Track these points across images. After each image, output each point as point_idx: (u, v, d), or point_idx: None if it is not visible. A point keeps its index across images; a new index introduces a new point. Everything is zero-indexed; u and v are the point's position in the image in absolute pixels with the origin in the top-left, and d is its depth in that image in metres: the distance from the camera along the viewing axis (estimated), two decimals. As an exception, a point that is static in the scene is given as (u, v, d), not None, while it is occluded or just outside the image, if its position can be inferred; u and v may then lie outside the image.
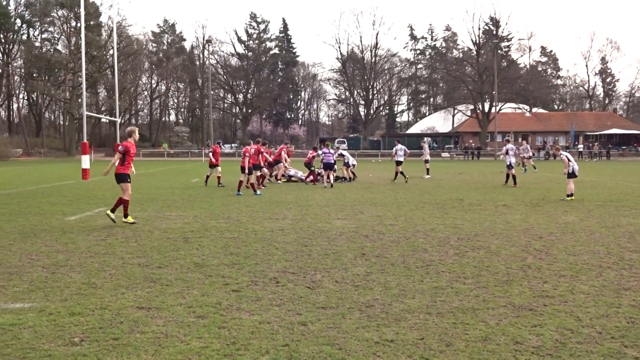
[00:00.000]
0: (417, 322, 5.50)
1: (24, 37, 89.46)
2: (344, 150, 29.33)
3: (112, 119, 40.77)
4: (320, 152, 25.70)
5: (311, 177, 26.43)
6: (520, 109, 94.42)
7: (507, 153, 25.24)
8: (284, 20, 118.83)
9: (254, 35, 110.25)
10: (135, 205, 16.44)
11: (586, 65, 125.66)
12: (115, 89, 39.50)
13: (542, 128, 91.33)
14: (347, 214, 14.49)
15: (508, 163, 24.88)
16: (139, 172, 37.39)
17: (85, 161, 29.71)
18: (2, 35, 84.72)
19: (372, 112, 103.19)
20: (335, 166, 25.20)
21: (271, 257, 8.80)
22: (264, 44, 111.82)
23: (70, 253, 9.15)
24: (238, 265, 8.20)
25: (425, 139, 75.19)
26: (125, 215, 12.62)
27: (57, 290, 6.79)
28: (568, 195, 18.02)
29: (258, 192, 19.98)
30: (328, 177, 24.20)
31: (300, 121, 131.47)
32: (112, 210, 12.70)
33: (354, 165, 27.93)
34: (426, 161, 31.69)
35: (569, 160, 18.28)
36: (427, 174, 31.16)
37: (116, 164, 13.10)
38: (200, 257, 8.75)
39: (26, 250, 9.39)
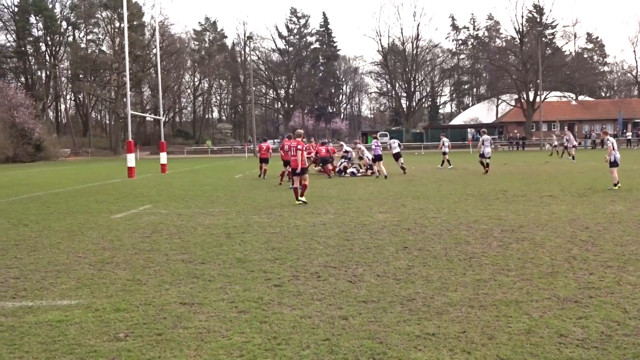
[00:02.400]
0: (459, 315, 5.44)
1: (70, 39, 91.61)
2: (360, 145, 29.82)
3: (157, 117, 41.41)
4: (372, 145, 26.60)
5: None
6: (566, 97, 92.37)
7: (482, 143, 26.77)
8: (324, 14, 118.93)
9: (295, 30, 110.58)
10: (180, 202, 16.70)
11: (634, 51, 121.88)
12: (159, 87, 40.08)
13: (588, 116, 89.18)
14: (389, 207, 14.41)
15: (482, 152, 26.64)
16: (183, 169, 37.97)
17: (131, 159, 30.24)
18: (49, 38, 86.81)
19: (414, 104, 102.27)
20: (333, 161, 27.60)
21: (313, 251, 8.82)
22: (304, 39, 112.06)
23: (116, 250, 9.33)
24: (280, 260, 8.24)
25: (469, 131, 74.46)
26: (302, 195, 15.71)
27: (103, 286, 6.93)
28: (615, 185, 17.58)
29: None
30: (378, 169, 25.20)
31: (342, 115, 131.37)
32: (302, 195, 15.63)
33: (368, 158, 27.94)
34: (444, 153, 32.83)
35: (613, 148, 17.89)
36: (450, 164, 32.16)
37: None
38: (243, 253, 8.82)
39: (73, 248, 9.62)
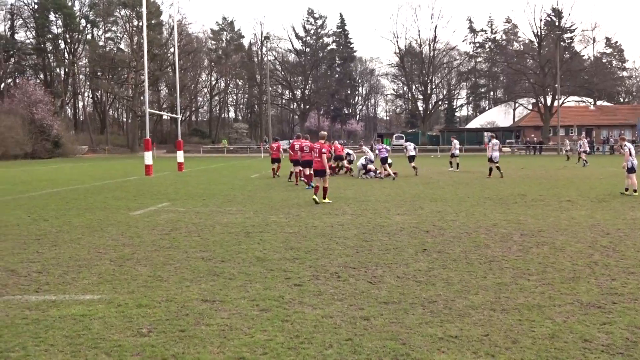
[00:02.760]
0: (482, 319, 5.42)
1: (89, 36, 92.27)
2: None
3: (174, 115, 41.63)
4: (377, 148, 26.61)
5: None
6: (584, 102, 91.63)
7: (492, 148, 27.18)
8: (341, 15, 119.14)
9: (311, 31, 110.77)
10: (197, 200, 16.77)
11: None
12: (177, 86, 40.29)
13: (607, 121, 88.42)
14: (407, 209, 14.38)
15: (490, 156, 27.04)
16: (200, 168, 38.14)
17: (148, 157, 30.42)
18: (68, 36, 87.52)
19: (430, 107, 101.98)
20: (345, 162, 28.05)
21: (332, 252, 8.82)
22: (321, 40, 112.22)
23: (136, 247, 9.39)
24: (299, 259, 8.25)
25: (486, 133, 74.12)
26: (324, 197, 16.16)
27: (125, 282, 6.98)
28: (634, 191, 17.43)
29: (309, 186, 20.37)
30: (386, 171, 25.44)
31: (357, 117, 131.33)
32: (324, 197, 16.05)
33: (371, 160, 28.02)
34: (452, 155, 32.95)
35: (630, 154, 17.76)
36: (457, 167, 32.35)
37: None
38: (262, 252, 8.84)
39: (94, 244, 9.69)
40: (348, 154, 30.27)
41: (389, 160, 26.58)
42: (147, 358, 4.53)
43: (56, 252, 8.95)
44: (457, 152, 33.28)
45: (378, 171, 26.92)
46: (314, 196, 15.96)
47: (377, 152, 26.47)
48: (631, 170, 17.65)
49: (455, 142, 33.83)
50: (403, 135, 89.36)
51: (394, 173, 25.73)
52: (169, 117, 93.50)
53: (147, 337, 4.97)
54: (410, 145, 28.85)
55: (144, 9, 33.20)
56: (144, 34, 32.69)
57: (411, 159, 28.40)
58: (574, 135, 70.57)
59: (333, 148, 27.01)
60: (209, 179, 26.36)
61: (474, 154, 65.78)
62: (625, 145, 18.50)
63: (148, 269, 7.73)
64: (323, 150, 16.60)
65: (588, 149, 38.22)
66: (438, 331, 5.07)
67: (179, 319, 5.46)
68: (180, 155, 35.78)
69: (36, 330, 5.18)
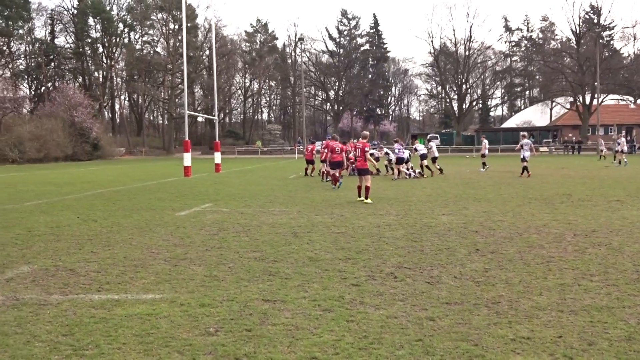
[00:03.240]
0: (551, 320, 5.31)
1: (126, 40, 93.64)
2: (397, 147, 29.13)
3: (211, 117, 41.83)
4: (395, 148, 26.64)
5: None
6: (624, 100, 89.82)
7: (522, 147, 27.07)
8: (374, 15, 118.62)
9: (345, 32, 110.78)
10: (239, 201, 16.86)
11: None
12: (214, 88, 40.61)
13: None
14: (452, 209, 14.24)
15: (522, 157, 26.92)
16: (236, 169, 38.39)
17: (187, 159, 30.70)
18: (106, 40, 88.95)
19: (465, 106, 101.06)
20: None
21: (383, 252, 8.77)
22: (354, 40, 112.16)
23: (187, 247, 9.46)
24: (352, 260, 8.22)
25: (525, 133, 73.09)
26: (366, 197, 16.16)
27: (182, 282, 7.02)
28: None
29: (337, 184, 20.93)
30: (399, 172, 25.78)
31: (390, 117, 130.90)
32: (366, 197, 16.08)
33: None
34: (483, 155, 32.68)
35: None
36: (483, 167, 32.11)
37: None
38: (313, 252, 8.82)
39: (146, 244, 9.79)
40: (372, 153, 30.10)
41: (408, 161, 27.05)
42: (219, 357, 4.53)
43: (110, 252, 9.06)
44: (487, 151, 33.06)
45: (417, 170, 26.84)
46: (359, 199, 16.30)
47: (396, 151, 26.37)
48: None
49: (485, 142, 33.62)
50: (437, 135, 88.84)
51: (419, 174, 25.85)
52: (203, 119, 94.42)
53: (216, 337, 4.97)
54: (434, 146, 28.96)
55: (183, 14, 33.52)
56: (184, 36, 32.99)
57: (434, 159, 28.50)
58: (614, 134, 69.21)
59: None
60: (247, 180, 26.49)
61: (509, 154, 64.93)
62: None
63: (203, 268, 7.77)
64: (365, 149, 16.95)
65: (626, 149, 37.41)
66: (508, 332, 4.98)
67: (243, 319, 5.46)
68: (217, 157, 36.10)
69: (106, 328, 5.23)
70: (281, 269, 7.63)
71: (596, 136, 62.88)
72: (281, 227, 11.51)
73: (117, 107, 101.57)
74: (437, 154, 28.93)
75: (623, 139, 38.93)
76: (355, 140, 29.72)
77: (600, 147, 38.61)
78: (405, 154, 26.44)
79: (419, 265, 7.83)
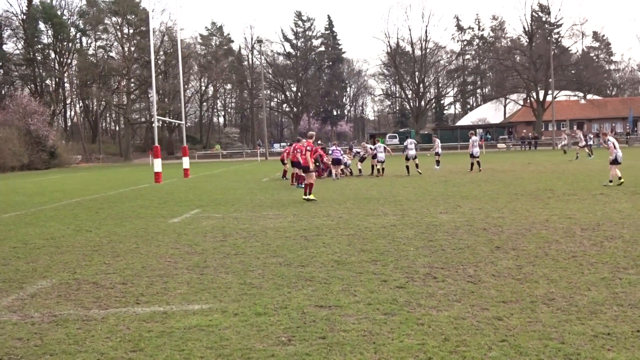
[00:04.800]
0: (618, 315, 5.35)
1: (78, 45, 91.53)
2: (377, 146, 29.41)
3: (179, 122, 40.90)
4: (330, 149, 28.20)
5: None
6: (576, 96, 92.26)
7: (472, 144, 28.41)
8: (329, 17, 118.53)
9: (300, 34, 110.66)
10: (227, 206, 16.63)
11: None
12: (182, 93, 40.11)
13: (598, 115, 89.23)
14: (446, 207, 14.33)
15: (471, 153, 28.41)
16: (204, 174, 37.91)
17: (158, 165, 30.18)
18: (58, 45, 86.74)
19: (422, 105, 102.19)
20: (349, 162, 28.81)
21: (406, 253, 8.73)
22: (310, 42, 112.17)
23: (201, 254, 9.25)
24: (380, 261, 8.16)
25: (478, 131, 74.47)
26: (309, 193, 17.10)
27: (221, 291, 6.84)
28: (619, 178, 18.20)
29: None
30: (336, 172, 26.63)
31: (346, 118, 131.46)
32: (309, 193, 17.00)
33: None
34: (472, 155, 31.77)
35: (614, 146, 18.64)
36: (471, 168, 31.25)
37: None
38: (335, 255, 8.73)
39: (156, 253, 9.53)
40: (357, 152, 30.59)
41: (347, 162, 28.56)
42: (311, 367, 4.42)
43: (125, 263, 8.79)
44: (440, 150, 33.36)
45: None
46: (304, 197, 17.15)
47: (330, 152, 27.18)
48: (615, 162, 18.46)
49: (437, 141, 34.26)
50: (396, 134, 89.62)
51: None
52: (160, 124, 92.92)
53: (292, 346, 4.84)
54: (412, 144, 28.74)
55: (150, 26, 32.92)
56: (151, 42, 32.42)
57: (409, 157, 28.42)
58: (567, 130, 70.98)
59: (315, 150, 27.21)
60: (222, 185, 26.15)
61: (466, 151, 65.87)
62: (608, 139, 19.46)
63: (233, 276, 7.60)
64: (308, 147, 18.32)
65: (584, 142, 38.78)
66: (585, 329, 4.99)
67: (309, 326, 5.34)
68: (186, 162, 35.53)
69: (173, 342, 5.04)
70: (314, 274, 7.51)
71: (560, 131, 64.38)
72: (286, 231, 11.37)
73: (70, 113, 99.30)
74: (413, 152, 28.75)
75: (581, 134, 40.20)
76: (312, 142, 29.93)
77: (564, 142, 39.65)
78: (344, 156, 27.49)
79: (449, 264, 7.81)
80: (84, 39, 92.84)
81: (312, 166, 18.26)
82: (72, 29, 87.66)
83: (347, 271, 7.62)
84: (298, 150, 20.30)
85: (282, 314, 5.77)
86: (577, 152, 37.69)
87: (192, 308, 6.12)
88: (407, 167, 27.96)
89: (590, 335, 4.83)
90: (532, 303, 5.83)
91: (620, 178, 18.21)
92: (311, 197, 17.06)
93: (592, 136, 39.01)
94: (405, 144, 29.02)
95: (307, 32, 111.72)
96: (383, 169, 28.08)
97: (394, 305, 5.92)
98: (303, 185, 20.70)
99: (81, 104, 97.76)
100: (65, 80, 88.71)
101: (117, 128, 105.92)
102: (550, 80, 74.34)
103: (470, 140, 29.09)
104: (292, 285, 6.94)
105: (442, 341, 4.81)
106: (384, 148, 28.90)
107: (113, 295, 6.90)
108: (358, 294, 6.42)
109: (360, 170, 29.20)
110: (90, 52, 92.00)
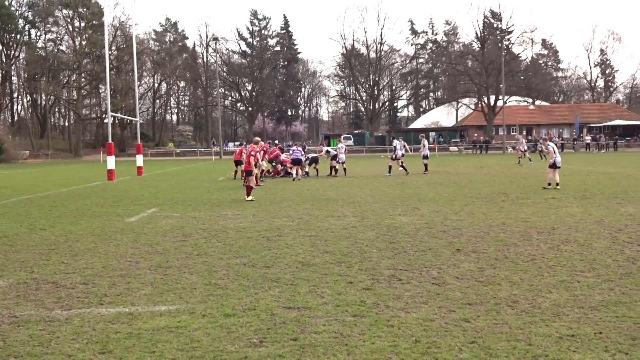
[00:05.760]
0: (580, 317, 5.51)
1: (26, 37, 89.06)
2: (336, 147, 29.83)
3: (134, 119, 40.08)
4: (291, 149, 28.53)
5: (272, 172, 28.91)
6: (525, 102, 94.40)
7: (395, 148, 29.29)
8: (284, 17, 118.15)
9: (256, 33, 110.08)
10: (184, 205, 16.46)
11: (588, 57, 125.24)
12: (135, 89, 39.37)
13: (546, 120, 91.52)
14: (405, 210, 14.49)
15: (423, 155, 30.04)
16: (158, 172, 37.40)
17: (111, 162, 29.66)
18: (6, 37, 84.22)
19: (377, 107, 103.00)
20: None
21: (369, 254, 8.80)
22: (265, 41, 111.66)
23: (163, 254, 9.14)
24: (344, 263, 8.20)
25: (431, 134, 75.51)
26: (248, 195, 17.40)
27: (186, 292, 6.78)
28: (548, 184, 19.47)
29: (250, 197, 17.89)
30: (297, 172, 26.66)
31: (300, 118, 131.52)
32: (248, 195, 17.32)
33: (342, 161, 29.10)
34: (424, 157, 31.43)
35: (554, 151, 19.83)
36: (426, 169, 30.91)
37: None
38: (299, 256, 8.75)
39: (117, 253, 9.38)
40: (327, 151, 30.67)
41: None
42: (286, 369, 4.42)
43: (84, 262, 8.62)
44: (427, 152, 33.23)
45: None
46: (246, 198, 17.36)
47: (291, 152, 27.82)
48: (554, 165, 19.54)
49: (396, 142, 33.80)
50: (351, 136, 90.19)
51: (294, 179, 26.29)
52: (111, 121, 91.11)
53: (265, 347, 4.84)
54: (400, 144, 29.46)
55: (105, 21, 32.32)
56: (106, 36, 31.84)
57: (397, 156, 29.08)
58: (516, 134, 72.51)
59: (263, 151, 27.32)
60: (177, 184, 25.85)
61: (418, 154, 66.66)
62: (548, 144, 20.62)
63: (197, 277, 7.53)
64: (252, 152, 19.03)
65: (526, 148, 39.99)
66: (549, 331, 5.13)
67: (280, 328, 5.34)
68: (139, 159, 34.95)
69: (143, 344, 4.97)
70: (280, 275, 7.51)
71: (516, 136, 65.57)
72: (247, 232, 11.33)
73: (18, 108, 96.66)
74: (401, 152, 29.34)
75: (522, 139, 41.50)
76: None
77: (520, 146, 40.49)
78: (302, 156, 27.34)
79: (413, 266, 7.92)
80: (32, 31, 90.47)
81: (253, 170, 18.73)
82: (21, 21, 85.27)
83: (313, 272, 7.64)
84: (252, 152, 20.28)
85: (251, 315, 5.75)
86: (520, 157, 38.55)
87: (159, 309, 6.05)
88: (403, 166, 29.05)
89: (555, 337, 4.97)
90: (497, 305, 5.97)
91: (557, 184, 19.22)
92: (249, 198, 17.35)
93: (524, 141, 40.54)
94: (394, 144, 29.76)
95: (262, 31, 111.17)
96: (345, 169, 28.87)
97: (362, 306, 5.97)
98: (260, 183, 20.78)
99: (29, 98, 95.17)
100: (13, 73, 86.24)
101: (67, 124, 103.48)
102: (501, 85, 75.91)
103: (421, 143, 30.82)
104: (259, 287, 6.93)
105: (413, 343, 4.88)
106: (403, 145, 30.16)
107: (75, 295, 6.76)
108: (325, 296, 6.45)
109: (307, 172, 29.03)
110: (40, 45, 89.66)
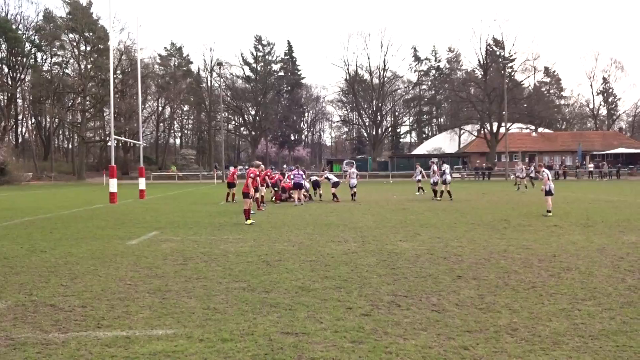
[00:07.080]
0: (580, 346, 5.48)
1: (32, 61, 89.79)
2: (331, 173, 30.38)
3: (137, 142, 40.21)
4: (292, 173, 27.85)
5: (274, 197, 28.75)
6: (528, 129, 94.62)
7: (433, 172, 30.04)
8: (288, 42, 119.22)
9: (260, 58, 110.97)
10: (185, 229, 16.44)
11: (591, 85, 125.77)
12: (139, 112, 39.59)
13: (549, 148, 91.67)
14: (405, 235, 14.45)
15: (432, 181, 29.96)
16: (160, 195, 37.42)
17: (113, 185, 29.70)
18: (12, 60, 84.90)
19: (380, 133, 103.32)
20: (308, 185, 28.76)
21: (369, 280, 8.77)
22: (269, 66, 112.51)
23: (162, 278, 9.11)
24: (344, 288, 8.17)
25: (435, 159, 75.70)
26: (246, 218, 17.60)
27: (184, 316, 6.76)
28: (548, 212, 19.47)
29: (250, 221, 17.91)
30: (298, 196, 26.46)
31: (303, 143, 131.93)
32: (246, 218, 17.52)
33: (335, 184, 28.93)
34: (418, 181, 33.90)
35: (548, 178, 20.04)
36: (417, 191, 33.35)
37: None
38: (299, 281, 8.72)
39: (116, 276, 9.36)
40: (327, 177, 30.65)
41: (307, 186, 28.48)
42: (283, 395, 4.38)
43: (83, 285, 8.60)
44: (420, 177, 33.94)
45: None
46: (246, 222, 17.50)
47: (292, 176, 27.38)
48: (548, 193, 19.79)
49: (420, 168, 34.38)
50: (353, 161, 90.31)
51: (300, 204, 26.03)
52: (115, 144, 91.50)
53: (262, 373, 4.81)
54: (447, 168, 29.60)
55: (111, 45, 32.61)
56: (111, 61, 32.06)
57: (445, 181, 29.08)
58: (519, 162, 72.63)
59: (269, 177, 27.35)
60: (179, 207, 25.86)
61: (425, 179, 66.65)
62: (543, 171, 20.82)
63: (196, 301, 7.51)
64: (251, 175, 19.23)
65: (524, 175, 40.68)
66: None
67: (277, 353, 5.31)
68: (142, 183, 35.02)
69: (140, 369, 4.95)
70: (279, 300, 7.48)
71: (516, 163, 65.75)
72: (247, 256, 11.30)
73: (22, 130, 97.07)
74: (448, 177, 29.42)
75: (522, 166, 41.92)
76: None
77: (518, 173, 40.67)
78: (303, 180, 27.23)
79: (412, 293, 7.88)
80: (39, 55, 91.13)
81: (251, 192, 19.00)
82: (27, 44, 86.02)
83: (312, 298, 7.61)
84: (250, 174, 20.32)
85: (249, 340, 5.72)
86: (518, 183, 39.40)
87: (156, 333, 6.02)
88: (449, 192, 28.76)
89: (555, 366, 4.94)
90: (496, 333, 5.93)
91: (549, 211, 19.43)
92: (248, 222, 17.50)
93: (523, 168, 41.27)
94: (443, 168, 29.50)
95: (266, 57, 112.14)
96: (352, 194, 28.50)
97: (360, 333, 5.94)
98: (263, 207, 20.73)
99: (33, 120, 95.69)
100: (18, 95, 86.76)
101: (71, 146, 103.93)
102: (504, 112, 76.18)
103: (416, 170, 32.34)
104: (257, 311, 6.90)
105: (412, 370, 4.84)
106: (420, 171, 31.96)
107: (72, 318, 6.74)
108: (324, 321, 6.42)
109: (310, 196, 29.12)
110: (45, 68, 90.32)
